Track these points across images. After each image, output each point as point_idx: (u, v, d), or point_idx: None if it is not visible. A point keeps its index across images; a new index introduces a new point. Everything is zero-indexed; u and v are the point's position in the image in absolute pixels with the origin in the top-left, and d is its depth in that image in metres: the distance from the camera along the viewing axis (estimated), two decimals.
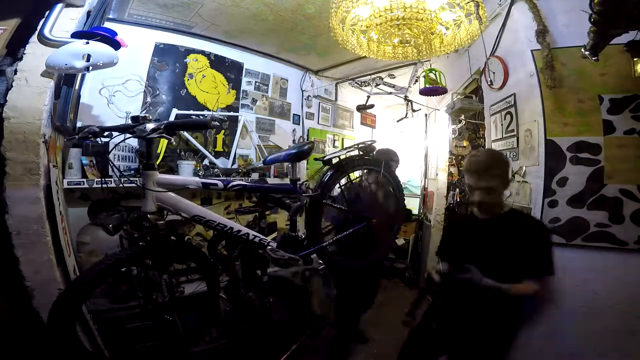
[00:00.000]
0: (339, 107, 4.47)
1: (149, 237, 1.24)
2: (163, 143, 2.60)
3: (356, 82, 3.71)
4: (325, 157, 1.71)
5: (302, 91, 3.91)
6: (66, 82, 1.77)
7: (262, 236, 1.54)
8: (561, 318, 1.82)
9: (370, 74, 3.71)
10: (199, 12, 2.53)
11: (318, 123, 4.17)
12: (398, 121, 4.00)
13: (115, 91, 2.51)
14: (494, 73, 2.22)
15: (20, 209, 1.47)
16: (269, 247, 1.51)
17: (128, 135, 1.26)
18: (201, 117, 2.90)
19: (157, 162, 2.09)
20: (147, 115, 1.25)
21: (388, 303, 3.65)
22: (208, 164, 2.92)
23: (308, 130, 4.01)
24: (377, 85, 3.52)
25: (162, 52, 2.78)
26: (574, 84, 1.80)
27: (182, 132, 2.76)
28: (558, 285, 1.82)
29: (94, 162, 2.17)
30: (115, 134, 1.29)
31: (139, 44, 2.62)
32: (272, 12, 2.51)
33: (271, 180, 3.14)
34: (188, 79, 2.93)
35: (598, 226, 1.74)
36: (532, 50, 1.88)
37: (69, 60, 1.52)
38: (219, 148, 3.07)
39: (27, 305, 1.48)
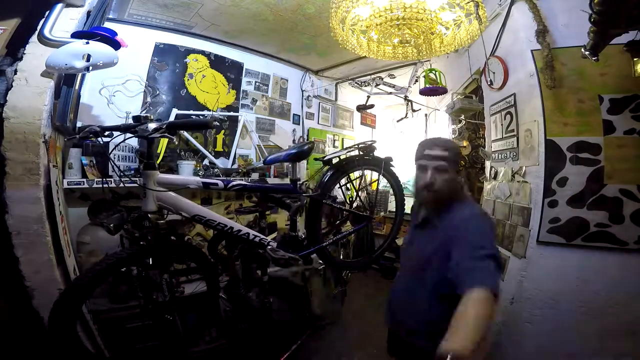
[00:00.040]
0: (339, 107, 4.47)
1: (149, 236, 1.24)
2: (163, 143, 2.60)
3: (356, 82, 3.71)
4: (325, 157, 1.71)
5: (302, 91, 3.91)
6: (66, 82, 1.77)
7: (262, 236, 1.54)
8: (561, 318, 1.82)
9: (370, 74, 3.71)
10: (199, 12, 2.53)
11: (318, 123, 4.17)
12: (398, 121, 4.00)
13: (115, 91, 2.51)
14: (494, 73, 2.22)
15: (20, 209, 1.46)
16: (269, 247, 1.51)
17: (129, 135, 1.26)
18: (201, 117, 2.90)
19: (157, 162, 2.09)
20: (148, 115, 1.25)
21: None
22: (208, 164, 2.92)
23: (308, 130, 4.01)
24: (377, 85, 3.52)
25: (162, 52, 2.78)
26: (574, 84, 1.80)
27: (182, 132, 2.77)
28: (558, 286, 1.83)
29: (94, 162, 2.17)
30: (115, 133, 1.29)
31: (139, 44, 2.62)
32: (272, 12, 2.51)
33: (271, 180, 3.14)
34: (188, 79, 2.93)
35: (598, 226, 1.74)
36: (532, 50, 1.88)
37: (69, 60, 1.52)
38: (219, 148, 3.07)
39: (27, 305, 1.48)
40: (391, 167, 1.92)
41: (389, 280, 4.22)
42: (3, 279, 1.47)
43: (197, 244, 2.65)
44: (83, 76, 2.08)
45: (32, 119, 1.51)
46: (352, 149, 1.75)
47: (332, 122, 4.38)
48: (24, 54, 1.55)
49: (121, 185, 2.07)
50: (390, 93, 3.65)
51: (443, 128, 4.14)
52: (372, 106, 3.60)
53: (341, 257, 3.43)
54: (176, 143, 2.81)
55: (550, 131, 1.82)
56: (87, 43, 1.57)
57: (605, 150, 1.73)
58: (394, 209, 2.23)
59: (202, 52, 3.00)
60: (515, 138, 2.05)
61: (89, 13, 1.84)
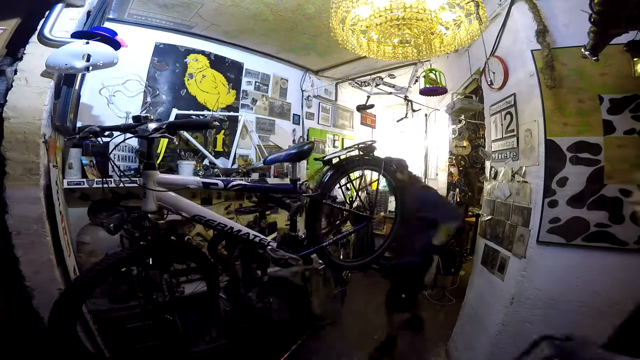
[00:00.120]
0: (339, 107, 4.47)
1: (149, 236, 1.24)
2: (163, 143, 2.60)
3: (356, 82, 3.72)
4: (325, 157, 1.71)
5: (302, 91, 3.91)
6: (66, 82, 1.77)
7: (262, 236, 1.54)
8: (561, 318, 1.82)
9: (370, 74, 3.71)
10: (199, 12, 2.53)
11: (318, 123, 4.17)
12: (398, 121, 4.00)
13: (115, 91, 2.51)
14: (494, 73, 2.22)
15: (20, 209, 1.47)
16: (269, 247, 1.51)
17: (129, 135, 1.26)
18: (201, 117, 2.90)
19: (157, 162, 2.09)
20: (148, 115, 1.25)
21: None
22: (208, 164, 2.92)
23: (308, 130, 4.01)
24: (377, 85, 3.52)
25: (162, 52, 2.78)
26: (574, 84, 1.80)
27: (182, 132, 2.77)
28: (558, 285, 1.83)
29: (94, 162, 2.18)
30: (115, 133, 1.29)
31: (139, 44, 2.62)
32: (272, 12, 2.51)
33: (271, 180, 3.14)
34: (188, 79, 2.93)
35: (598, 226, 1.74)
36: (532, 50, 1.87)
37: (69, 60, 1.52)
38: (219, 148, 3.07)
39: (27, 305, 1.48)
40: (391, 167, 1.92)
41: (388, 280, 4.22)
42: (3, 279, 1.47)
43: (197, 244, 2.65)
44: (83, 76, 2.08)
45: (32, 119, 1.51)
46: (352, 149, 1.75)
47: (332, 122, 4.38)
48: (24, 54, 1.55)
49: (121, 185, 2.07)
50: (390, 93, 3.65)
51: (443, 128, 4.14)
52: (372, 106, 3.60)
53: (341, 257, 3.43)
54: (176, 143, 2.81)
55: (550, 131, 1.82)
56: (87, 43, 1.57)
57: (605, 150, 1.73)
58: (394, 209, 2.23)
59: (202, 52, 3.00)
60: (515, 138, 2.05)
61: (89, 13, 1.84)
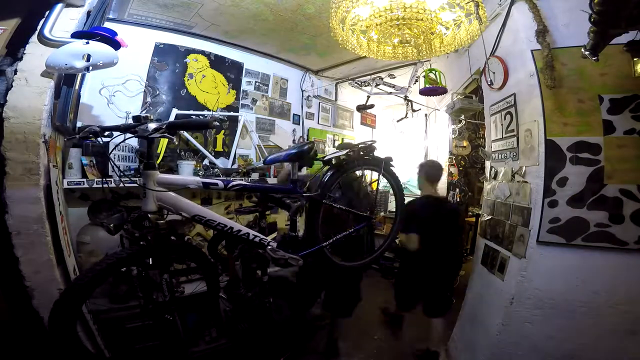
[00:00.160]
0: (339, 107, 4.47)
1: (149, 236, 1.24)
2: (163, 143, 2.60)
3: (356, 82, 3.72)
4: (325, 157, 1.71)
5: (302, 91, 3.91)
6: (66, 82, 1.77)
7: (262, 236, 1.54)
8: (561, 318, 1.82)
9: (370, 74, 3.71)
10: (199, 12, 2.53)
11: (318, 123, 4.18)
12: (398, 121, 4.00)
13: (115, 91, 2.51)
14: (494, 73, 2.22)
15: (20, 209, 1.47)
16: (269, 247, 1.51)
17: (129, 135, 1.26)
18: (201, 117, 2.90)
19: (157, 162, 2.09)
20: (148, 115, 1.25)
21: (389, 303, 3.65)
22: (208, 164, 2.92)
23: (308, 130, 4.01)
24: (377, 85, 3.52)
25: (162, 52, 2.78)
26: (574, 84, 1.80)
27: (182, 132, 2.77)
28: (558, 285, 1.83)
29: (94, 162, 2.18)
30: (116, 133, 1.29)
31: (139, 44, 2.62)
32: (272, 12, 2.51)
33: (271, 180, 3.14)
34: (188, 79, 2.93)
35: (598, 226, 1.74)
36: (532, 50, 1.87)
37: (69, 60, 1.52)
38: (219, 148, 3.07)
39: (27, 305, 1.48)
40: (391, 167, 1.92)
41: (389, 280, 4.22)
42: (3, 279, 1.47)
43: (197, 244, 2.65)
44: (83, 76, 2.08)
45: (32, 119, 1.51)
46: (352, 149, 1.74)
47: (332, 122, 4.38)
48: (24, 54, 1.55)
49: (121, 185, 2.07)
50: (390, 93, 3.65)
51: (443, 128, 4.14)
52: (372, 106, 3.60)
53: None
54: (176, 143, 2.81)
55: (550, 131, 1.82)
56: (87, 43, 1.57)
57: (605, 150, 1.73)
58: (394, 209, 2.23)
59: (202, 52, 3.00)
60: (515, 138, 2.05)
61: (89, 13, 1.85)
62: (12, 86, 1.50)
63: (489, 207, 2.36)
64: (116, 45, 1.72)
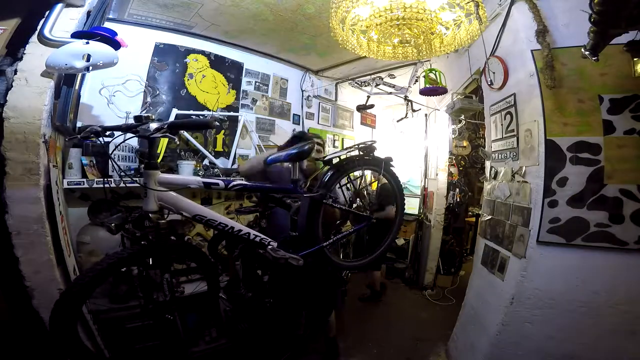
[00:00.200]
0: (339, 107, 4.47)
1: (151, 236, 1.24)
2: (163, 143, 2.60)
3: (356, 82, 3.72)
4: (325, 157, 1.71)
5: (302, 91, 3.91)
6: (66, 82, 1.77)
7: (262, 236, 1.53)
8: (561, 318, 1.82)
9: (370, 74, 3.71)
10: (199, 12, 2.53)
11: (318, 123, 4.17)
12: (398, 121, 4.00)
13: (115, 91, 2.51)
14: (494, 73, 2.22)
15: (20, 209, 1.47)
16: (270, 247, 1.51)
17: (130, 135, 1.26)
18: (201, 117, 2.90)
19: (157, 162, 2.09)
20: (149, 115, 1.25)
21: (388, 303, 3.66)
22: (208, 164, 2.92)
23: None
24: (377, 85, 3.52)
25: (162, 52, 2.78)
26: (574, 84, 1.80)
27: (182, 132, 2.77)
28: (558, 285, 1.83)
29: (94, 162, 2.18)
30: (117, 133, 1.29)
31: (139, 44, 2.62)
32: (272, 12, 2.51)
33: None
34: (188, 79, 2.93)
35: (598, 226, 1.74)
36: (532, 50, 1.88)
37: (69, 60, 1.52)
38: (219, 148, 3.07)
39: (27, 305, 1.48)
40: (391, 167, 1.91)
41: (388, 280, 4.23)
42: (3, 279, 1.47)
43: (197, 244, 2.65)
44: (83, 76, 2.08)
45: (32, 119, 1.51)
46: (352, 149, 1.75)
47: (332, 122, 4.38)
48: (24, 54, 1.55)
49: (121, 185, 2.07)
50: (390, 93, 3.65)
51: (443, 128, 4.14)
52: (372, 106, 3.60)
53: (341, 257, 3.43)
54: (177, 143, 2.81)
55: (550, 131, 1.82)
56: (87, 43, 1.57)
57: (605, 150, 1.74)
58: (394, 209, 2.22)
59: (202, 52, 3.00)
60: (515, 138, 2.05)
61: (89, 13, 1.84)
62: (12, 86, 1.50)
63: (489, 207, 2.36)
64: (116, 45, 1.72)
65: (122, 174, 1.40)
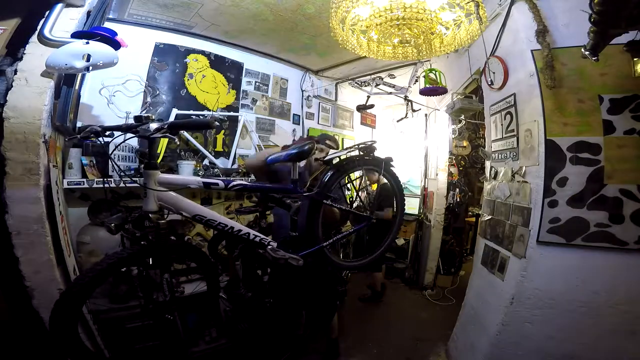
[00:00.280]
0: (339, 107, 4.47)
1: (150, 236, 1.24)
2: (163, 143, 2.60)
3: (356, 82, 3.71)
4: (325, 157, 1.70)
5: (302, 91, 3.91)
6: (66, 82, 1.77)
7: (262, 236, 1.53)
8: (561, 318, 1.82)
9: (370, 74, 3.71)
10: (199, 12, 2.53)
11: (318, 123, 4.18)
12: (398, 121, 4.00)
13: (115, 91, 2.51)
14: (494, 73, 2.22)
15: (20, 209, 1.47)
16: (270, 247, 1.51)
17: (130, 135, 1.26)
18: (201, 117, 2.90)
19: (158, 162, 2.09)
20: (149, 115, 1.25)
21: (388, 303, 3.66)
22: (208, 164, 2.92)
23: (308, 130, 4.01)
24: (377, 85, 3.52)
25: (162, 52, 2.78)
26: (574, 84, 1.80)
27: (182, 132, 2.77)
28: (558, 285, 1.83)
29: (94, 162, 2.18)
30: (117, 133, 1.29)
31: (139, 44, 2.62)
32: (272, 12, 2.51)
33: None
34: (188, 79, 2.93)
35: (598, 226, 1.74)
36: (532, 50, 1.88)
37: (69, 60, 1.52)
38: (219, 148, 3.07)
39: (27, 305, 1.48)
40: (391, 167, 1.92)
41: (388, 280, 4.23)
42: (3, 279, 1.47)
43: (197, 244, 2.65)
44: (83, 76, 2.08)
45: (32, 119, 1.51)
46: (352, 149, 1.75)
47: (332, 122, 4.39)
48: (24, 54, 1.55)
49: (121, 185, 2.07)
50: (390, 93, 3.65)
51: (443, 128, 4.14)
52: (372, 106, 3.60)
53: (341, 257, 3.43)
54: (177, 143, 2.81)
55: (550, 131, 1.82)
56: (87, 43, 1.57)
57: (605, 150, 1.74)
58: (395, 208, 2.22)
59: (202, 52, 3.00)
60: (515, 138, 2.05)
61: (89, 13, 1.84)
62: (12, 86, 1.50)
63: (489, 207, 2.36)
64: (116, 45, 1.72)
65: (122, 174, 1.40)
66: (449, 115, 3.69)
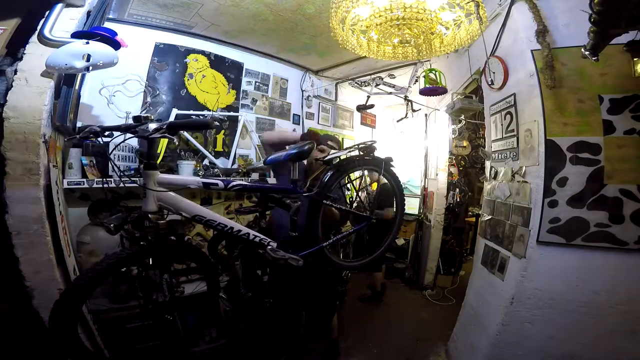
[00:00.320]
0: (339, 107, 4.47)
1: (150, 236, 1.24)
2: (163, 143, 2.60)
3: (356, 82, 3.71)
4: (325, 157, 1.70)
5: (302, 91, 3.91)
6: (66, 82, 1.77)
7: (262, 236, 1.53)
8: (561, 318, 1.82)
9: (370, 74, 3.71)
10: (199, 12, 2.53)
11: (318, 123, 4.17)
12: (398, 121, 4.00)
13: (115, 91, 2.51)
14: (494, 73, 2.22)
15: (20, 209, 1.47)
16: (270, 247, 1.51)
17: (129, 135, 1.26)
18: (201, 117, 2.90)
19: (157, 162, 2.09)
20: (149, 115, 1.25)
21: (388, 303, 3.66)
22: (208, 164, 2.92)
23: (308, 130, 4.00)
24: (377, 85, 3.52)
25: (162, 52, 2.78)
26: (574, 84, 1.80)
27: (182, 132, 2.77)
28: (558, 285, 1.83)
29: (94, 162, 2.18)
30: (116, 133, 1.29)
31: (139, 44, 2.62)
32: (272, 12, 2.51)
33: (271, 180, 3.13)
34: (188, 79, 2.93)
35: (598, 226, 1.74)
36: (532, 50, 1.88)
37: (69, 60, 1.52)
38: (219, 148, 3.07)
39: (27, 305, 1.48)
40: (391, 167, 1.92)
41: (388, 280, 4.23)
42: (3, 279, 1.47)
43: (197, 244, 2.65)
44: (83, 76, 2.08)
45: (32, 119, 1.51)
46: (352, 149, 1.75)
47: (332, 122, 4.38)
48: (24, 54, 1.55)
49: (121, 185, 2.07)
50: (390, 93, 3.65)
51: (443, 128, 4.14)
52: (372, 106, 3.60)
53: (341, 257, 3.43)
54: (176, 143, 2.81)
55: (550, 131, 1.82)
56: (87, 43, 1.57)
57: (605, 150, 1.74)
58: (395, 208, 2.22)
59: (202, 52, 3.00)
60: (515, 138, 2.05)
61: (89, 13, 1.85)
62: (12, 86, 1.50)
63: (489, 207, 2.36)
64: (116, 45, 1.72)
65: (122, 174, 1.39)
66: (449, 115, 3.69)
